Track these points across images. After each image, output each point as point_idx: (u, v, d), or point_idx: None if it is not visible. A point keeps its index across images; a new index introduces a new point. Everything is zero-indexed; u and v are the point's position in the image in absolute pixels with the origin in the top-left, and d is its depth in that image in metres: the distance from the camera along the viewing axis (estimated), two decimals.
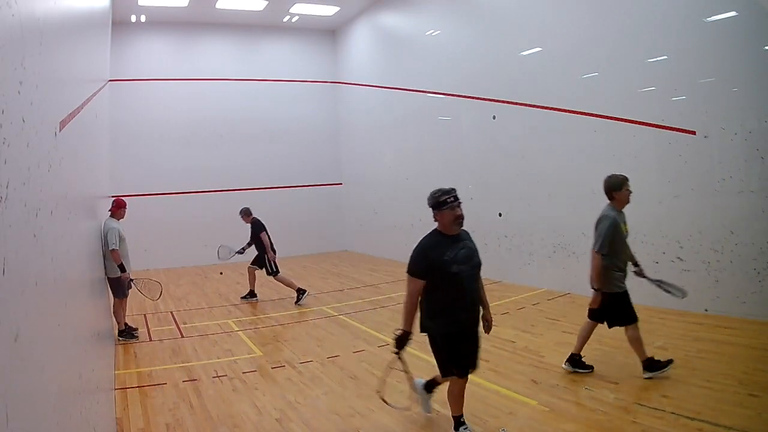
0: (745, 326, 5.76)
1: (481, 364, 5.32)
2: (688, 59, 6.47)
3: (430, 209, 3.60)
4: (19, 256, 1.36)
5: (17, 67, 1.43)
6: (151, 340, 6.90)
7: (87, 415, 2.54)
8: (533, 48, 8.74)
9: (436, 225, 3.65)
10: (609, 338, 5.71)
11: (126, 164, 12.92)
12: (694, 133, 6.46)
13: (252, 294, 9.09)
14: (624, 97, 7.26)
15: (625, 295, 4.69)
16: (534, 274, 8.85)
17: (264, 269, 8.80)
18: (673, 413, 3.92)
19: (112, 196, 7.89)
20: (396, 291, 9.16)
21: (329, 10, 13.94)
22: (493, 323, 3.94)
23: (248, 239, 9.05)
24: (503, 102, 9.39)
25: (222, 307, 8.77)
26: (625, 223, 4.74)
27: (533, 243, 8.90)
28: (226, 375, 5.44)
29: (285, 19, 14.34)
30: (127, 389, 5.10)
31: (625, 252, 4.75)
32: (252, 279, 9.08)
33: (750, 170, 6.07)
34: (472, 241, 3.71)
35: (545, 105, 8.47)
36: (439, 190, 3.56)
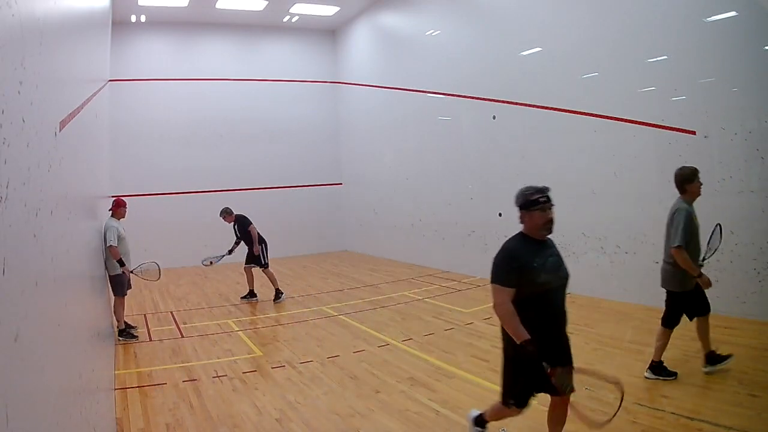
0: (745, 326, 5.75)
1: (481, 364, 5.36)
2: (688, 59, 6.47)
3: (518, 208, 3.16)
4: (19, 256, 1.36)
5: (17, 67, 1.43)
6: (151, 340, 6.90)
7: (87, 415, 2.54)
8: (533, 48, 8.74)
9: (521, 227, 3.18)
10: (609, 338, 5.72)
11: (126, 164, 12.92)
12: (694, 133, 6.46)
13: (252, 294, 9.10)
14: (624, 97, 7.26)
15: (686, 296, 4.52)
16: None
17: (257, 264, 8.84)
18: (673, 413, 3.92)
19: (112, 196, 7.90)
20: (396, 291, 9.17)
21: (329, 10, 13.94)
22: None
23: (235, 239, 9.08)
24: (503, 102, 9.39)
25: (222, 307, 8.77)
26: (695, 216, 4.55)
27: None
28: (226, 375, 5.44)
29: (285, 19, 14.35)
30: (127, 389, 5.10)
31: (696, 247, 4.53)
32: (250, 279, 9.08)
33: (750, 170, 6.07)
34: (557, 249, 3.25)
35: (545, 105, 8.47)
36: (531, 188, 3.14)
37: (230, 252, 9.09)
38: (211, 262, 8.98)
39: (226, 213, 9.01)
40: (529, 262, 3.02)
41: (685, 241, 4.37)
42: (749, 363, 4.69)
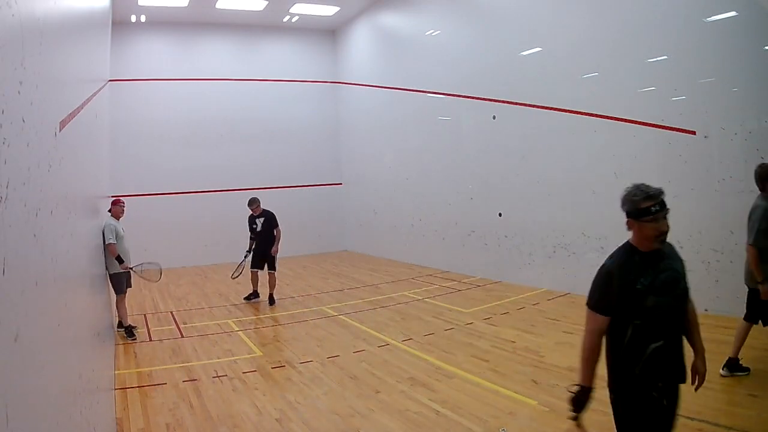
0: None
1: (481, 364, 5.36)
2: (688, 59, 6.47)
3: (625, 214, 2.54)
4: (19, 256, 1.36)
5: (17, 67, 1.43)
6: (151, 340, 6.90)
7: (87, 415, 2.54)
8: (533, 48, 8.74)
9: (629, 237, 2.58)
10: None
11: (126, 164, 12.91)
12: (694, 133, 6.46)
13: (255, 294, 9.07)
14: (624, 97, 7.27)
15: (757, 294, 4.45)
16: (534, 274, 8.84)
17: (265, 267, 8.74)
18: None
19: (112, 196, 7.89)
20: (396, 291, 9.17)
21: (329, 10, 13.94)
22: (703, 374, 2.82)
23: (250, 237, 8.91)
24: (503, 102, 9.39)
25: (222, 307, 8.76)
26: None
27: (533, 243, 8.90)
28: (226, 375, 5.44)
29: (285, 19, 14.35)
30: (127, 389, 5.10)
31: None
32: (255, 279, 9.04)
33: (750, 170, 6.00)
34: (678, 259, 2.62)
35: (545, 105, 8.47)
36: (640, 191, 2.51)
37: (249, 252, 8.94)
38: (239, 273, 8.95)
39: (257, 203, 8.89)
40: (633, 283, 2.47)
41: (756, 239, 4.30)
42: (749, 363, 4.69)
